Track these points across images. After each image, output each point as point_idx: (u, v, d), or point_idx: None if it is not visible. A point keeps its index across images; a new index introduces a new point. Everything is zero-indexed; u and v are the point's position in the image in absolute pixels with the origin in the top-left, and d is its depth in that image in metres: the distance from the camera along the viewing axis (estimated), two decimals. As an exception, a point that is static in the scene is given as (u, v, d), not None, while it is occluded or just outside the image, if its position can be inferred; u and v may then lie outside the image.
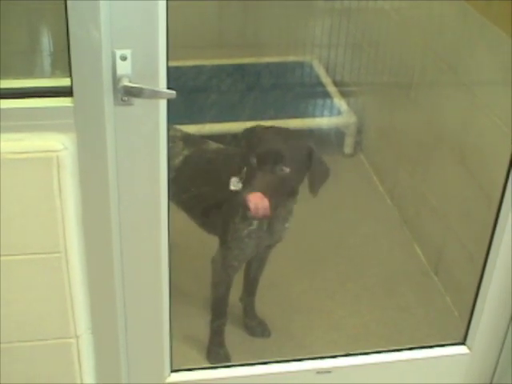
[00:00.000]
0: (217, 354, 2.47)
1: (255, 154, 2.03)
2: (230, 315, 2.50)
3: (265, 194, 1.99)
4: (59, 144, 1.62)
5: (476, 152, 2.56)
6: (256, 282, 2.55)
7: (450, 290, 2.75)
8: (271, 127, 2.19)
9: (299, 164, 2.07)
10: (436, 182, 2.89)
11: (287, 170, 2.03)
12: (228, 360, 2.46)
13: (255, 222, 2.19)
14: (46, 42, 1.90)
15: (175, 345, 2.09)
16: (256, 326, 2.60)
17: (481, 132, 2.50)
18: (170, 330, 2.01)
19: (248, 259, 2.37)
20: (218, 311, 2.45)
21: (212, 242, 2.38)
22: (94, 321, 1.90)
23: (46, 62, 1.92)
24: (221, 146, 2.40)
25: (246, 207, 1.99)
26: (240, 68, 3.85)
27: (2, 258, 1.73)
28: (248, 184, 2.03)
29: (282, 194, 2.09)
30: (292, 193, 2.16)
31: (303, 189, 2.30)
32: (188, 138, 2.41)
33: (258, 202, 1.98)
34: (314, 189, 2.10)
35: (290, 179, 2.06)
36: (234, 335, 2.53)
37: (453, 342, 2.33)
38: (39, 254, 1.74)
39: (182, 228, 2.90)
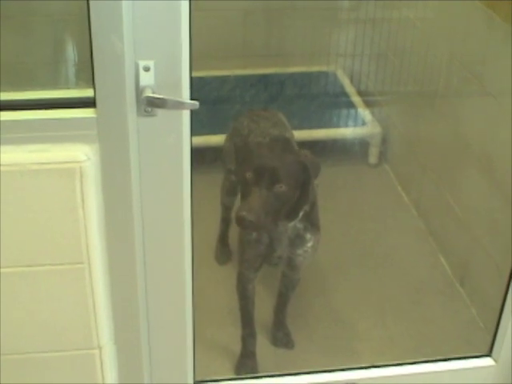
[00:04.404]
0: (243, 365, 2.47)
1: (252, 169, 2.07)
2: (260, 323, 2.52)
3: (261, 210, 2.02)
4: (82, 155, 1.62)
5: (503, 162, 2.53)
6: (286, 297, 2.56)
7: (475, 301, 2.73)
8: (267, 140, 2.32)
9: (295, 181, 2.10)
10: (462, 192, 2.86)
11: (284, 187, 2.06)
12: (254, 372, 2.46)
13: (254, 233, 2.25)
14: (69, 52, 1.91)
15: (198, 355, 2.08)
16: (281, 337, 2.59)
17: (507, 142, 2.48)
18: (193, 341, 2.00)
19: (257, 270, 2.38)
20: (243, 321, 2.46)
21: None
22: (117, 331, 1.90)
23: (70, 72, 1.93)
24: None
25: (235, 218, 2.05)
26: (264, 78, 3.85)
27: (26, 268, 1.73)
28: (244, 200, 2.07)
29: (277, 212, 2.10)
30: (290, 212, 2.17)
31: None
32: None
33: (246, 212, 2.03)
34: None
35: (285, 196, 2.08)
36: (257, 345, 2.52)
37: (478, 354, 2.30)
38: (62, 264, 1.74)
39: (206, 236, 2.94)
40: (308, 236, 2.27)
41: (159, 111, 1.59)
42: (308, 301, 2.75)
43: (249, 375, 2.41)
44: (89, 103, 1.59)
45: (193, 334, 1.98)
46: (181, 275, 1.85)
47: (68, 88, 1.81)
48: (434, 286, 2.86)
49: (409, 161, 3.42)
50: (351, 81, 3.92)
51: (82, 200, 1.66)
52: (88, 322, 1.84)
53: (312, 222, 2.26)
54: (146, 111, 1.58)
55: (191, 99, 1.61)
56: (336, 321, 2.70)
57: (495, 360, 2.27)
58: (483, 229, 2.68)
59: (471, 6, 2.71)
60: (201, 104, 1.58)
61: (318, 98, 3.89)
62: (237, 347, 2.51)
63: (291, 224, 2.22)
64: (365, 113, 3.68)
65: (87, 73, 1.55)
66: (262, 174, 2.06)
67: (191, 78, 1.60)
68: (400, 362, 2.30)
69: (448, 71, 2.96)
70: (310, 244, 2.29)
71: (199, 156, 2.87)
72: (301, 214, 2.19)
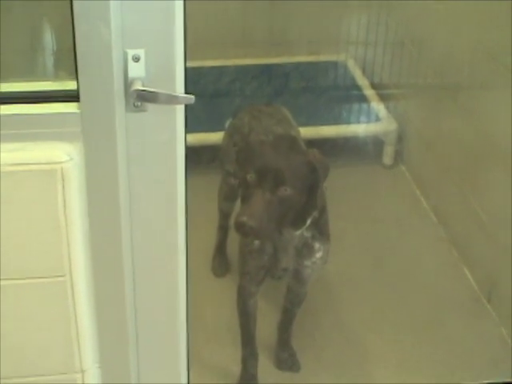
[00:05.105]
0: None
1: (253, 170, 2.06)
2: (262, 343, 2.52)
3: (263, 216, 2.02)
4: (64, 154, 1.62)
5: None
6: (291, 314, 2.56)
7: (505, 319, 2.72)
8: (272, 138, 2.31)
9: (302, 183, 2.10)
10: (488, 196, 2.86)
11: (289, 190, 2.05)
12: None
13: (256, 242, 2.25)
14: (48, 39, 1.91)
15: (194, 379, 2.08)
16: (286, 358, 2.60)
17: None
18: (187, 363, 2.00)
19: (259, 283, 2.38)
20: (243, 340, 2.47)
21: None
22: (103, 353, 1.89)
23: (50, 62, 1.92)
24: None
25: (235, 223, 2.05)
26: (266, 69, 3.86)
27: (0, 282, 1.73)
28: (245, 204, 2.07)
29: (282, 218, 2.10)
30: (296, 219, 2.17)
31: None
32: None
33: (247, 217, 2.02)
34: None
35: (290, 201, 2.08)
36: (259, 367, 2.52)
37: (509, 379, 2.30)
38: (41, 277, 1.73)
39: (202, 245, 2.94)
40: (317, 246, 2.27)
41: (150, 106, 1.58)
42: (316, 318, 2.75)
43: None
44: (71, 97, 1.58)
45: (187, 354, 1.98)
46: (174, 289, 1.85)
47: (48, 80, 1.80)
48: (458, 301, 2.86)
49: (428, 161, 3.42)
50: (363, 72, 3.93)
51: (64, 205, 1.66)
52: (69, 342, 1.83)
53: (321, 230, 2.26)
54: (135, 106, 1.57)
55: (186, 93, 1.60)
56: (347, 341, 2.69)
57: (527, 385, 2.27)
58: (512, 238, 2.68)
59: (499, -12, 2.71)
60: (196, 98, 1.57)
61: (327, 91, 3.90)
62: (236, 369, 2.50)
63: (298, 232, 2.21)
64: (379, 107, 3.69)
65: (69, 62, 1.55)
66: (264, 175, 2.05)
67: (186, 69, 1.60)
68: (420, 387, 2.30)
69: (473, 61, 2.96)
70: (318, 255, 2.28)
71: (195, 156, 2.88)
72: (309, 221, 2.18)
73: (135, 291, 1.83)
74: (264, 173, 2.05)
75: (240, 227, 2.02)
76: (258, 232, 2.04)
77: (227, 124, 2.77)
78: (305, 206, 2.13)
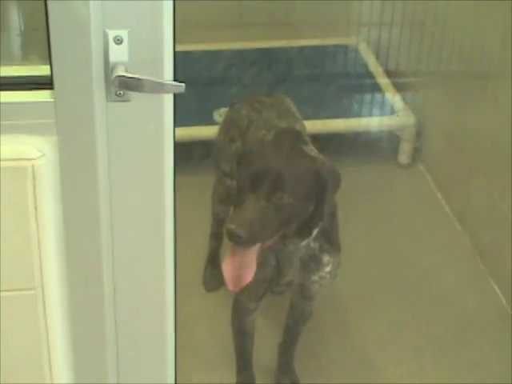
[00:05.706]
0: None
1: (249, 174, 2.05)
2: (260, 367, 2.54)
3: (255, 224, 2.00)
4: (35, 150, 1.61)
5: None
6: (294, 334, 2.56)
7: (538, 340, 2.73)
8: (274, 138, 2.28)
9: (304, 192, 2.07)
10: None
11: (289, 199, 2.03)
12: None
13: None
14: (15, 17, 1.90)
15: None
16: (288, 385, 2.60)
17: None
18: (175, 388, 2.00)
19: (258, 299, 2.38)
20: (239, 363, 2.48)
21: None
22: (78, 376, 1.89)
23: (19, 44, 1.92)
24: None
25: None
26: (267, 53, 3.86)
27: (-39, 295, 1.73)
28: (236, 209, 2.06)
29: (279, 228, 2.08)
30: (301, 228, 2.15)
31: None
32: None
33: (235, 270, 2.07)
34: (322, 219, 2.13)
35: (289, 210, 2.06)
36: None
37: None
38: (8, 290, 1.73)
39: (193, 255, 2.94)
40: (325, 258, 2.26)
41: (134, 95, 1.58)
42: (322, 338, 2.75)
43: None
44: (44, 84, 1.58)
45: (175, 380, 1.98)
46: (160, 305, 1.85)
47: (17, 64, 1.80)
48: (484, 320, 2.86)
49: (450, 160, 3.43)
50: (377, 57, 3.94)
51: (35, 208, 1.65)
52: (40, 362, 1.82)
53: (330, 240, 2.25)
54: (117, 95, 1.57)
55: (175, 80, 1.60)
56: (357, 365, 2.70)
57: (562, 415, 2.27)
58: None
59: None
60: (187, 86, 1.57)
61: (336, 79, 3.91)
62: (231, 397, 2.51)
63: (303, 243, 2.20)
64: (394, 99, 3.70)
65: (42, 44, 1.54)
66: (259, 178, 2.03)
67: (175, 54, 1.60)
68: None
69: (504, 46, 2.95)
70: (327, 268, 2.28)
71: (185, 153, 2.89)
72: (315, 231, 2.16)
73: (116, 307, 1.82)
74: (258, 175, 2.03)
75: (230, 235, 2.01)
76: (247, 243, 2.02)
77: (223, 116, 2.77)
78: (310, 215, 2.11)
